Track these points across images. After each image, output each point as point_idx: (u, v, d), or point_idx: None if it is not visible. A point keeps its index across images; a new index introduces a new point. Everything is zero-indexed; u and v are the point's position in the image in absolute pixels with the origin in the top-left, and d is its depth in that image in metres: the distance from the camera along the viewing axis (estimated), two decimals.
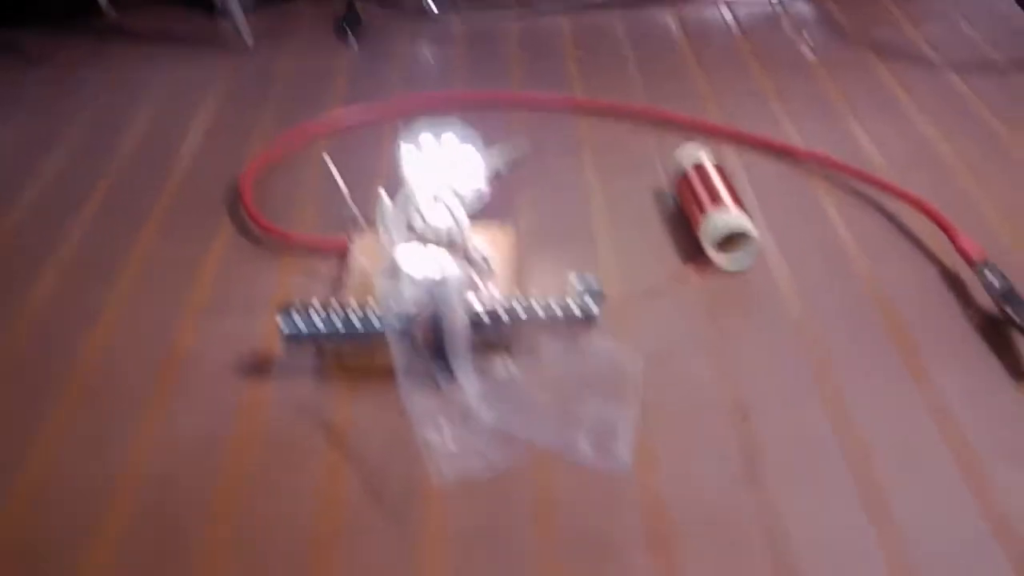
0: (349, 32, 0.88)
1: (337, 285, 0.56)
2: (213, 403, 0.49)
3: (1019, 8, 0.83)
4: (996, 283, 0.51)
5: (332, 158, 0.57)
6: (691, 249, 0.57)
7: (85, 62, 0.88)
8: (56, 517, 0.43)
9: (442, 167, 0.58)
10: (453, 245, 0.53)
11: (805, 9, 0.92)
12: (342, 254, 0.58)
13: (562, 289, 0.50)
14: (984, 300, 0.53)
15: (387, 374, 0.48)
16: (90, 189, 0.67)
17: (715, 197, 0.57)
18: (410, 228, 0.54)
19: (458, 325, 0.47)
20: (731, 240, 0.55)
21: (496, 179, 0.62)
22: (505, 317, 0.49)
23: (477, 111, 0.63)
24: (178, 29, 0.93)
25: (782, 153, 0.68)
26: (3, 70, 0.87)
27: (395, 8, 0.95)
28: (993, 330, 0.51)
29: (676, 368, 0.50)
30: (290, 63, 0.85)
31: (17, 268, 0.59)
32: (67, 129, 0.76)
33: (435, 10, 0.93)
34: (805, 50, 0.84)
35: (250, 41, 0.88)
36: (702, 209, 0.57)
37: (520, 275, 0.56)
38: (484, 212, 0.59)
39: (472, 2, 0.95)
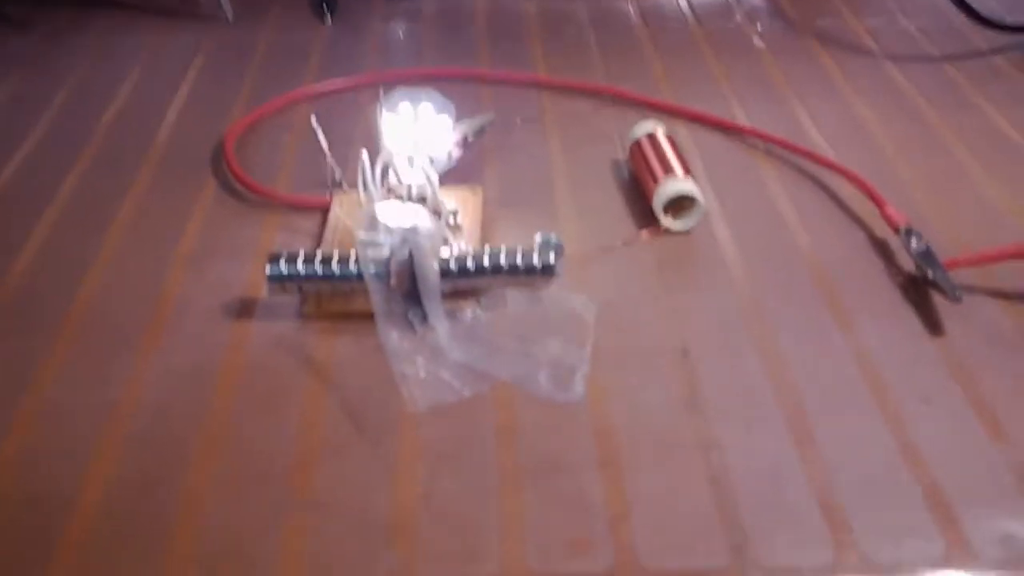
0: (325, 9, 0.92)
1: (317, 239, 0.60)
2: (202, 341, 0.53)
3: (954, 5, 0.89)
4: (916, 245, 0.57)
5: (310, 124, 0.61)
6: (643, 212, 0.63)
7: (68, 29, 0.91)
8: (58, 441, 0.47)
9: (418, 133, 0.62)
10: (425, 202, 0.58)
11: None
12: (322, 211, 0.62)
13: (525, 245, 0.54)
14: (906, 263, 0.58)
15: (364, 317, 0.53)
16: (79, 148, 0.71)
17: (666, 165, 0.62)
18: (387, 187, 0.59)
19: (430, 271, 0.52)
20: (679, 204, 0.61)
21: (465, 145, 0.67)
22: (473, 266, 0.53)
23: (447, 84, 0.67)
24: (159, 1, 0.96)
25: (729, 130, 0.73)
26: None
27: None
28: (913, 289, 0.57)
29: (626, 315, 0.55)
30: (269, 36, 0.89)
31: (12, 219, 0.63)
32: (53, 92, 0.79)
33: None
34: (755, 38, 0.89)
35: (231, 15, 0.92)
36: (654, 176, 0.62)
37: (486, 233, 0.61)
38: (454, 176, 0.64)
39: None
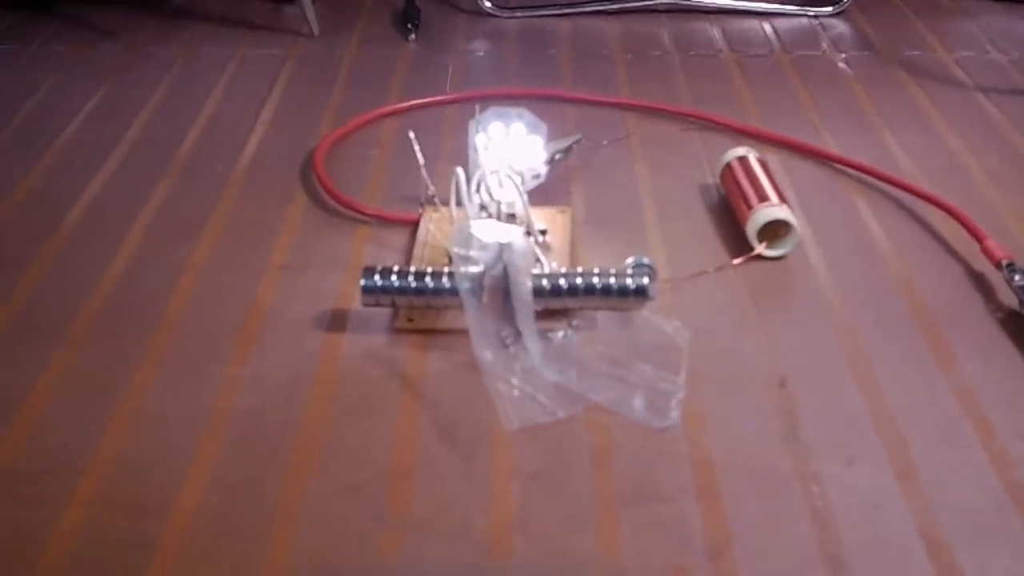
0: (410, 26, 0.93)
1: (407, 254, 0.60)
2: (294, 351, 0.53)
3: None
4: (1019, 279, 0.56)
5: (397, 140, 0.61)
6: (734, 237, 0.62)
7: (155, 40, 0.93)
8: (154, 445, 0.47)
9: (509, 151, 0.62)
10: (516, 220, 0.58)
11: (842, 27, 0.97)
12: (411, 226, 0.62)
13: (616, 267, 0.54)
14: (1007, 298, 0.57)
15: (455, 333, 0.53)
16: (168, 158, 0.72)
17: (760, 190, 0.61)
18: (479, 203, 0.59)
19: (524, 289, 0.52)
20: (773, 230, 0.60)
21: (553, 165, 0.67)
22: (566, 286, 0.53)
23: (530, 104, 0.68)
24: (245, 14, 0.98)
25: (821, 158, 0.72)
26: (76, 44, 0.92)
27: (452, 5, 1.00)
28: (1014, 325, 0.55)
29: (720, 342, 0.54)
30: (354, 51, 0.90)
31: (104, 228, 0.64)
32: (141, 102, 0.80)
33: (490, 8, 0.98)
34: (841, 65, 0.88)
35: (317, 29, 0.93)
36: (747, 201, 0.61)
37: (576, 253, 0.61)
38: (540, 196, 0.64)
39: (525, 2, 0.99)
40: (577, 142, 0.71)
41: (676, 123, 0.77)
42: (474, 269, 0.52)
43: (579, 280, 0.53)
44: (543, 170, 0.66)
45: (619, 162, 0.72)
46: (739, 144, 0.68)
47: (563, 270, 0.55)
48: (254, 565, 0.41)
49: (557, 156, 0.69)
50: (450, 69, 0.86)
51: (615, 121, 0.78)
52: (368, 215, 0.64)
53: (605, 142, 0.73)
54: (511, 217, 0.59)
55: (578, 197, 0.67)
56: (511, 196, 0.59)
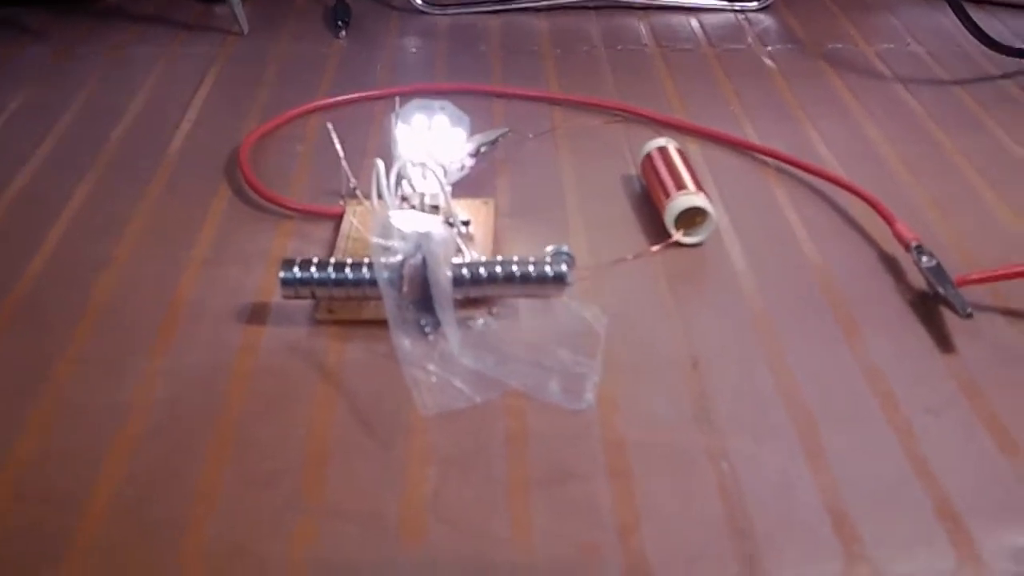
0: (340, 23, 0.93)
1: (330, 247, 0.60)
2: (214, 344, 0.53)
3: (964, 29, 0.89)
4: (926, 262, 0.57)
5: (323, 135, 0.61)
6: (654, 226, 0.63)
7: (83, 40, 0.92)
8: (72, 441, 0.47)
9: (431, 143, 0.63)
10: (438, 211, 0.58)
11: (768, 21, 0.98)
12: (335, 220, 0.63)
13: (536, 256, 0.54)
14: (916, 281, 0.58)
15: (376, 324, 0.53)
16: (93, 155, 0.71)
17: (678, 179, 0.62)
18: (401, 195, 0.59)
19: (443, 278, 0.52)
20: (691, 217, 0.61)
21: (478, 157, 0.67)
22: (485, 274, 0.54)
23: (460, 98, 0.68)
24: (175, 14, 0.97)
25: (739, 147, 0.73)
26: (3, 45, 0.91)
27: (383, 3, 1.00)
28: (923, 305, 0.57)
29: (637, 327, 0.55)
30: (283, 49, 0.89)
31: (27, 223, 0.63)
32: (68, 101, 0.80)
33: (421, 5, 0.98)
34: (765, 59, 0.90)
35: (246, 28, 0.92)
36: (665, 189, 0.62)
37: (498, 243, 0.61)
38: (466, 188, 0.65)
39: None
40: (503, 135, 0.71)
41: (601, 116, 0.78)
42: (393, 259, 0.52)
43: (498, 268, 0.54)
44: (469, 162, 0.66)
45: (544, 155, 0.72)
46: (661, 135, 0.69)
47: (483, 259, 0.55)
48: (168, 557, 0.41)
49: (483, 149, 0.69)
50: (378, 67, 0.86)
51: (542, 115, 0.78)
52: (292, 209, 0.64)
53: (531, 135, 0.74)
54: (434, 208, 0.59)
55: (503, 189, 0.67)
56: (433, 188, 0.59)
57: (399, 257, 0.52)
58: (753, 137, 0.75)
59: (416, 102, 0.65)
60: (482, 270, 0.54)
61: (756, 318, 0.56)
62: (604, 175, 0.70)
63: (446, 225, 0.56)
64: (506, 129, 0.72)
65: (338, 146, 0.60)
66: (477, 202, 0.64)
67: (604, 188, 0.68)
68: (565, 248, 0.55)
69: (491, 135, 0.70)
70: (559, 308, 0.55)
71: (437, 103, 0.65)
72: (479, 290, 0.54)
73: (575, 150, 0.73)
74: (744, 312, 0.56)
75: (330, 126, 0.61)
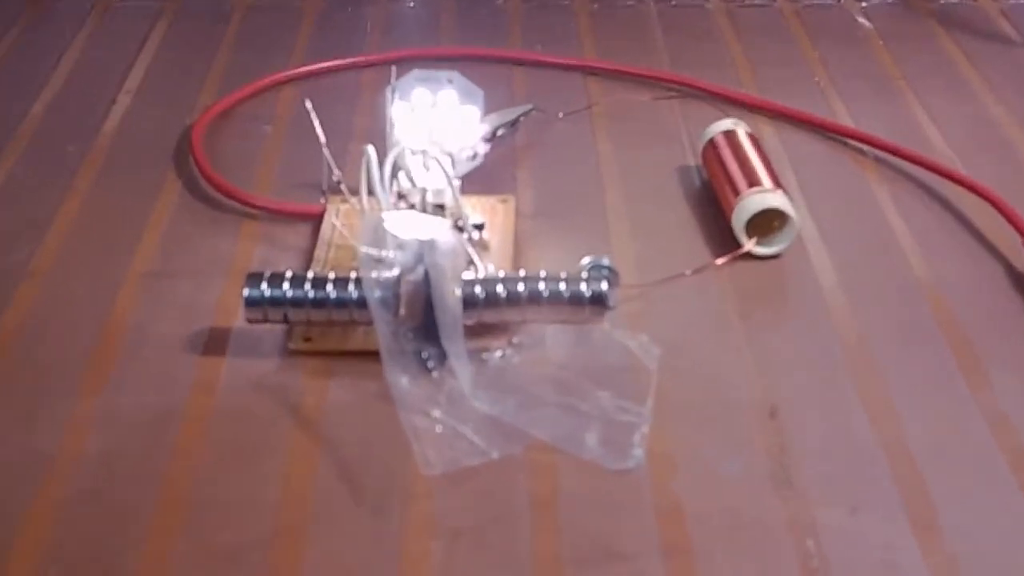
0: None
1: (307, 256, 0.60)
2: (161, 378, 0.53)
3: None
4: None
5: (298, 113, 0.61)
6: (719, 231, 0.63)
7: None
8: None
9: (436, 125, 0.63)
10: (444, 211, 0.58)
11: None
12: (313, 221, 0.63)
13: (569, 271, 0.54)
14: None
15: (364, 356, 0.53)
16: (7, 136, 0.72)
17: (750, 173, 0.62)
18: (397, 192, 0.59)
19: (450, 298, 0.52)
20: (766, 222, 0.60)
21: (494, 141, 0.67)
22: (504, 294, 0.53)
23: (471, 66, 0.68)
24: None
25: (829, 132, 0.73)
26: None
27: None
28: None
29: (698, 362, 0.55)
30: (248, 0, 0.90)
31: None
32: None
33: None
34: (860, 18, 0.90)
35: None
36: (735, 187, 0.62)
37: (520, 253, 0.61)
38: (480, 181, 0.65)
39: None
40: (526, 114, 0.71)
41: (651, 90, 0.78)
42: (387, 274, 0.52)
43: (522, 286, 0.54)
44: (481, 149, 0.66)
45: (578, 139, 0.72)
46: (727, 116, 0.69)
47: (502, 274, 0.55)
48: None
49: (500, 132, 0.69)
50: (368, 25, 0.86)
51: (575, 88, 0.78)
52: (258, 207, 0.65)
53: (561, 114, 0.74)
54: (439, 208, 0.59)
55: (525, 183, 0.68)
56: (438, 182, 0.59)
57: (395, 271, 0.52)
58: (845, 119, 0.75)
59: (416, 73, 0.64)
60: (501, 288, 0.54)
61: (850, 352, 0.55)
62: (654, 166, 0.70)
63: (454, 230, 0.56)
64: (530, 106, 0.72)
65: (318, 128, 0.60)
66: (493, 200, 0.64)
67: (655, 183, 0.68)
68: (605, 261, 0.55)
69: (511, 114, 0.70)
70: (598, 338, 0.55)
71: (443, 74, 0.65)
72: (496, 314, 0.54)
73: (617, 133, 0.73)
74: (834, 343, 0.56)
75: (308, 104, 0.61)
